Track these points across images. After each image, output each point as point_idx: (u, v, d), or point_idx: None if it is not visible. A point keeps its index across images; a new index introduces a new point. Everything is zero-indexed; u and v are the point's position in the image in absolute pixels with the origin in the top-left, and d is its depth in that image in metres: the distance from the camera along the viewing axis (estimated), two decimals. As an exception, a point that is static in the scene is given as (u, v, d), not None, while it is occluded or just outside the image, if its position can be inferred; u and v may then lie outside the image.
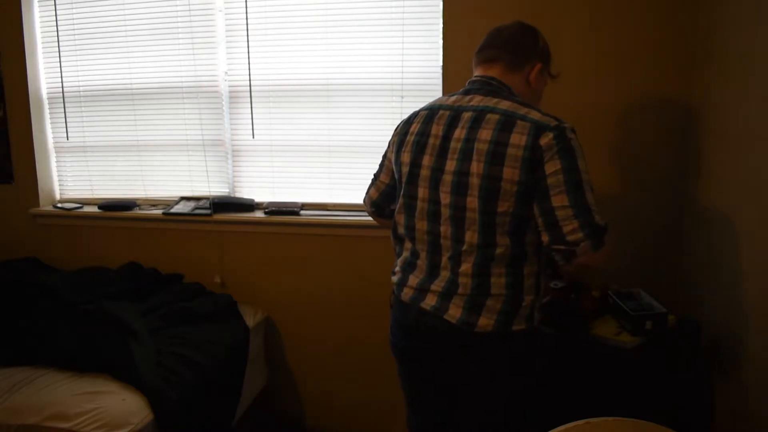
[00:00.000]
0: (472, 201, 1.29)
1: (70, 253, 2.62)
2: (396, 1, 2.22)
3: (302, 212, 2.40)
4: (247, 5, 2.35)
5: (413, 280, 1.42)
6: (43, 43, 2.59)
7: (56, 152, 2.70)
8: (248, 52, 2.39)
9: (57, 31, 2.56)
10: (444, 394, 1.47)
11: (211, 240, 2.48)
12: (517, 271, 1.31)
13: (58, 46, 2.57)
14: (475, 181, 1.28)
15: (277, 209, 2.38)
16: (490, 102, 1.33)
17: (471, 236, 1.31)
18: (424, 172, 1.38)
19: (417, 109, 1.49)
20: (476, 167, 1.28)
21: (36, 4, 2.56)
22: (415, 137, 1.41)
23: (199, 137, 2.51)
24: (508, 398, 1.38)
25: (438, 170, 1.35)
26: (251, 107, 2.44)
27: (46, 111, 2.65)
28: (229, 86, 2.45)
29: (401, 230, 1.48)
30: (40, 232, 2.66)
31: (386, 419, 2.39)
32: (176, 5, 2.42)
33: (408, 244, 1.46)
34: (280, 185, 2.49)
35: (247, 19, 2.36)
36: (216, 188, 2.55)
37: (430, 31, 2.20)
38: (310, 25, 2.32)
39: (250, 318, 2.30)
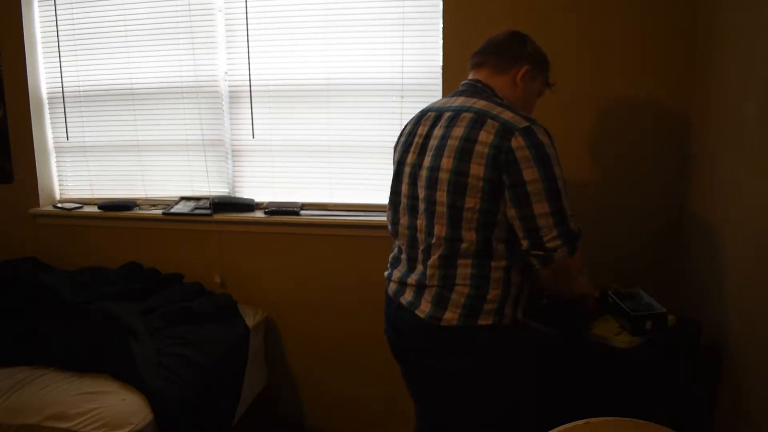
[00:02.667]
0: (441, 195, 1.34)
1: (70, 253, 2.62)
2: (396, 1, 2.22)
3: (302, 212, 2.40)
4: (247, 5, 2.35)
5: (396, 274, 1.49)
6: (43, 43, 2.59)
7: (56, 152, 2.70)
8: (248, 52, 2.39)
9: (57, 31, 2.56)
10: (427, 392, 1.50)
11: (211, 240, 2.48)
12: (484, 263, 1.33)
13: (58, 46, 2.57)
14: (444, 175, 1.33)
15: (277, 209, 2.38)
16: (469, 102, 1.38)
17: (439, 229, 1.35)
18: (407, 170, 1.45)
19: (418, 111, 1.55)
20: (446, 163, 1.33)
21: (36, 4, 2.56)
22: (405, 138, 1.50)
23: (199, 137, 2.51)
24: (478, 397, 1.37)
25: (417, 166, 1.42)
26: (251, 107, 2.44)
27: (46, 111, 2.65)
28: (229, 86, 2.45)
29: (389, 226, 1.55)
30: (40, 232, 2.66)
31: (386, 419, 2.39)
32: (176, 5, 2.42)
33: (396, 240, 1.53)
34: (280, 185, 2.49)
35: (247, 19, 2.36)
36: (216, 188, 2.55)
37: (430, 31, 2.20)
38: (310, 25, 2.32)
39: (250, 318, 2.30)
